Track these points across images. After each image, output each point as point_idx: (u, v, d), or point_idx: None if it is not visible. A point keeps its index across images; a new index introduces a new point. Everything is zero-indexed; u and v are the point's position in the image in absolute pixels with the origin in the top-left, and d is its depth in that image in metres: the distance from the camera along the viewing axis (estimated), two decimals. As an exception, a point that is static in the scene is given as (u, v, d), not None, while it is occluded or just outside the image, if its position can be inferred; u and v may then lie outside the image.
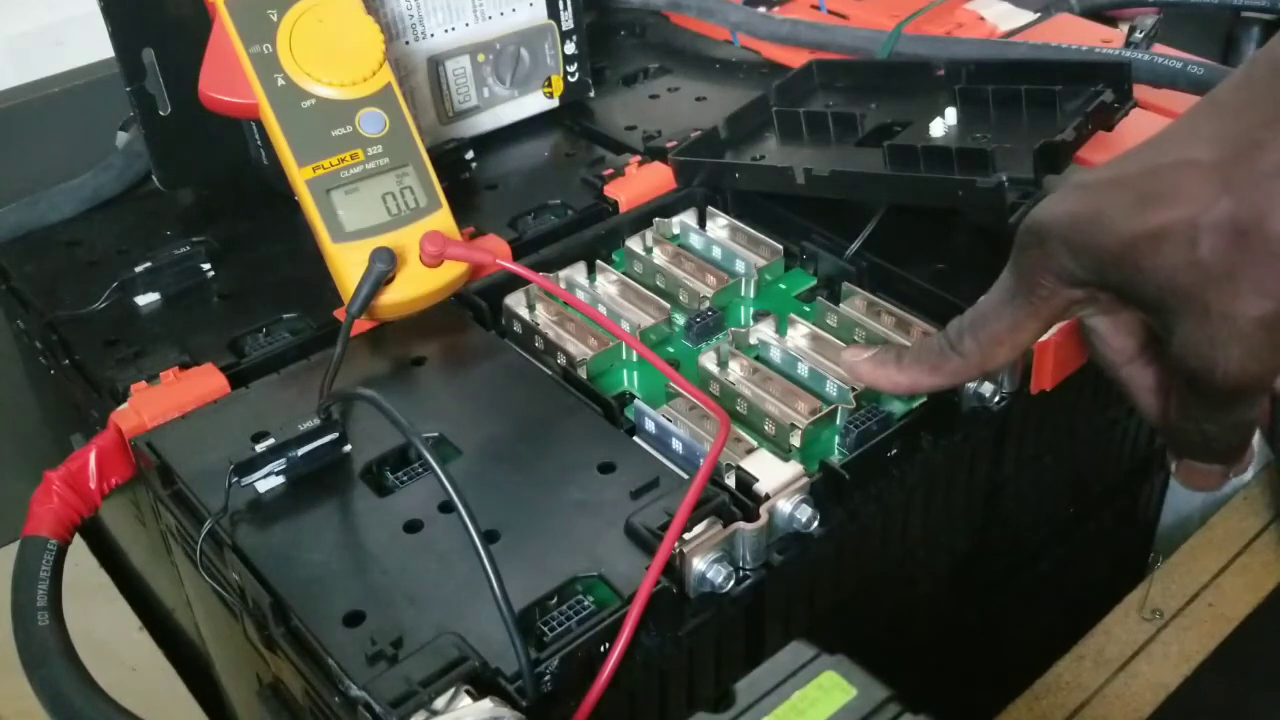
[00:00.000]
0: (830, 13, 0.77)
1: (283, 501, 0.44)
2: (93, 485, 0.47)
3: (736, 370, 0.50)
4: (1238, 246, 0.35)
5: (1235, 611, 0.56)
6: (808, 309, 0.53)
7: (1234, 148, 0.35)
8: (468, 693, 0.36)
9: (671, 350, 0.52)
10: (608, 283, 0.55)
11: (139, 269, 0.56)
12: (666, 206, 0.59)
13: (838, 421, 0.47)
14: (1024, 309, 0.41)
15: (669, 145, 0.62)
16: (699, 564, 0.40)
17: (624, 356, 0.50)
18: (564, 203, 0.60)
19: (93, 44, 0.63)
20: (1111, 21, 0.77)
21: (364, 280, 0.49)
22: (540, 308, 0.53)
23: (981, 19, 0.75)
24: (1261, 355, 0.36)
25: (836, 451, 0.46)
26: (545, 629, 0.38)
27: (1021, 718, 0.52)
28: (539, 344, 0.51)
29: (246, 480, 0.43)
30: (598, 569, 0.40)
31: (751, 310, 0.54)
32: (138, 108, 0.58)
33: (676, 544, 0.40)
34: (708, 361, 0.49)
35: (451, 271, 0.52)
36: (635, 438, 0.46)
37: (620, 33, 0.79)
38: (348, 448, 0.45)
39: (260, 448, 0.44)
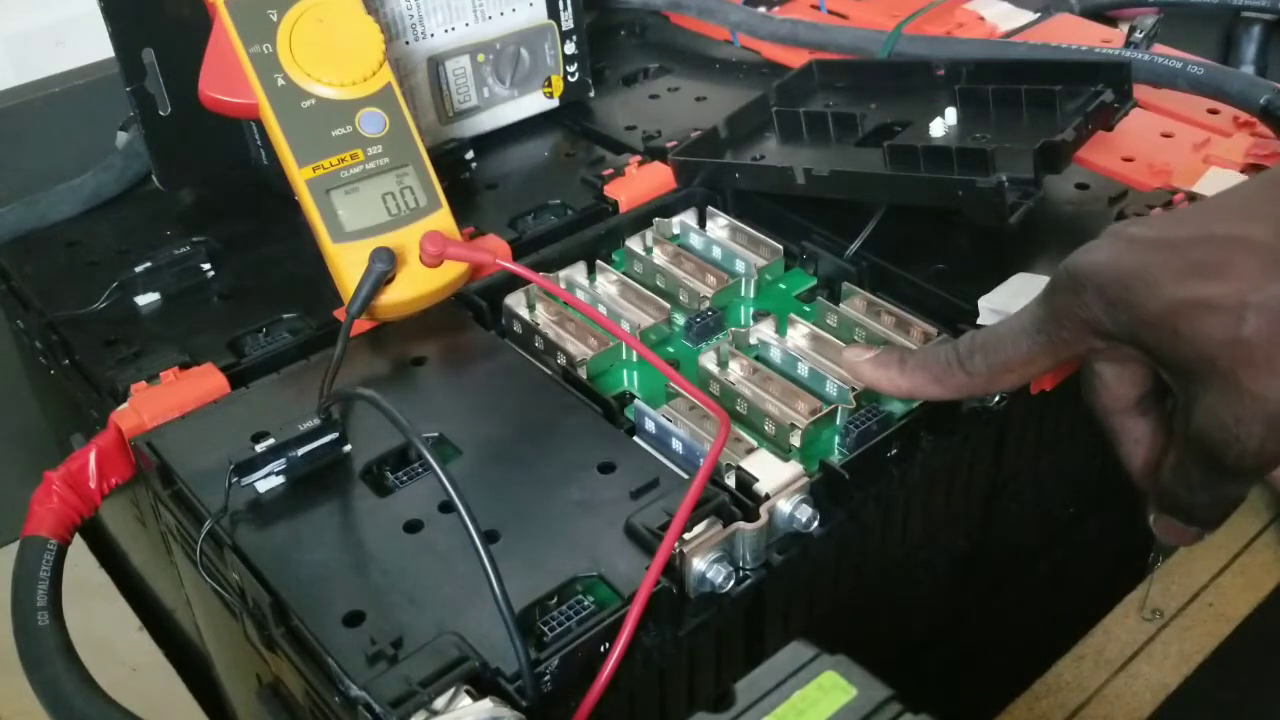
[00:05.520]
0: (830, 13, 0.77)
1: (283, 501, 0.44)
2: (93, 485, 0.47)
3: (736, 370, 0.50)
4: None
5: (1235, 611, 0.56)
6: (808, 309, 0.53)
7: None
8: (468, 693, 0.36)
9: (671, 350, 0.52)
10: (608, 283, 0.55)
11: (139, 269, 0.56)
12: (666, 206, 0.59)
13: (838, 421, 0.47)
14: (1044, 346, 0.41)
15: (669, 145, 0.62)
16: (699, 564, 0.40)
17: (624, 356, 0.50)
18: (564, 203, 0.60)
19: (93, 44, 0.63)
20: (1111, 21, 0.77)
21: (364, 280, 0.49)
22: (540, 308, 0.53)
23: (981, 19, 0.75)
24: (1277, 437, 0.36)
25: (836, 451, 0.46)
26: (545, 629, 0.38)
27: (1021, 718, 0.52)
28: (539, 344, 0.51)
29: (246, 480, 0.43)
30: (598, 569, 0.40)
31: (751, 310, 0.54)
32: (138, 108, 0.58)
33: (676, 544, 0.40)
34: (708, 361, 0.49)
35: (451, 271, 0.52)
36: (635, 438, 0.46)
37: (620, 33, 0.79)
38: (348, 448, 0.45)
39: (260, 448, 0.44)
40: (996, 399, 0.48)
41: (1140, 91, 0.60)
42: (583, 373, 0.49)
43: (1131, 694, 0.53)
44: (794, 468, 0.43)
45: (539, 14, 0.66)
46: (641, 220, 0.58)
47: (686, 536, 0.40)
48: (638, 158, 0.62)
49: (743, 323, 0.53)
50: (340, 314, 0.52)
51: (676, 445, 0.45)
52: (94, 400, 0.52)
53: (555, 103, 0.68)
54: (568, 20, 0.67)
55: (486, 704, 0.35)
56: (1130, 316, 0.38)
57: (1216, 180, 0.56)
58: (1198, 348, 0.36)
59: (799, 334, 0.51)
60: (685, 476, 0.44)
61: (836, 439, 0.47)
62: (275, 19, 0.52)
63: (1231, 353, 0.36)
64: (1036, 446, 0.54)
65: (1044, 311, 0.40)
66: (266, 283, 0.57)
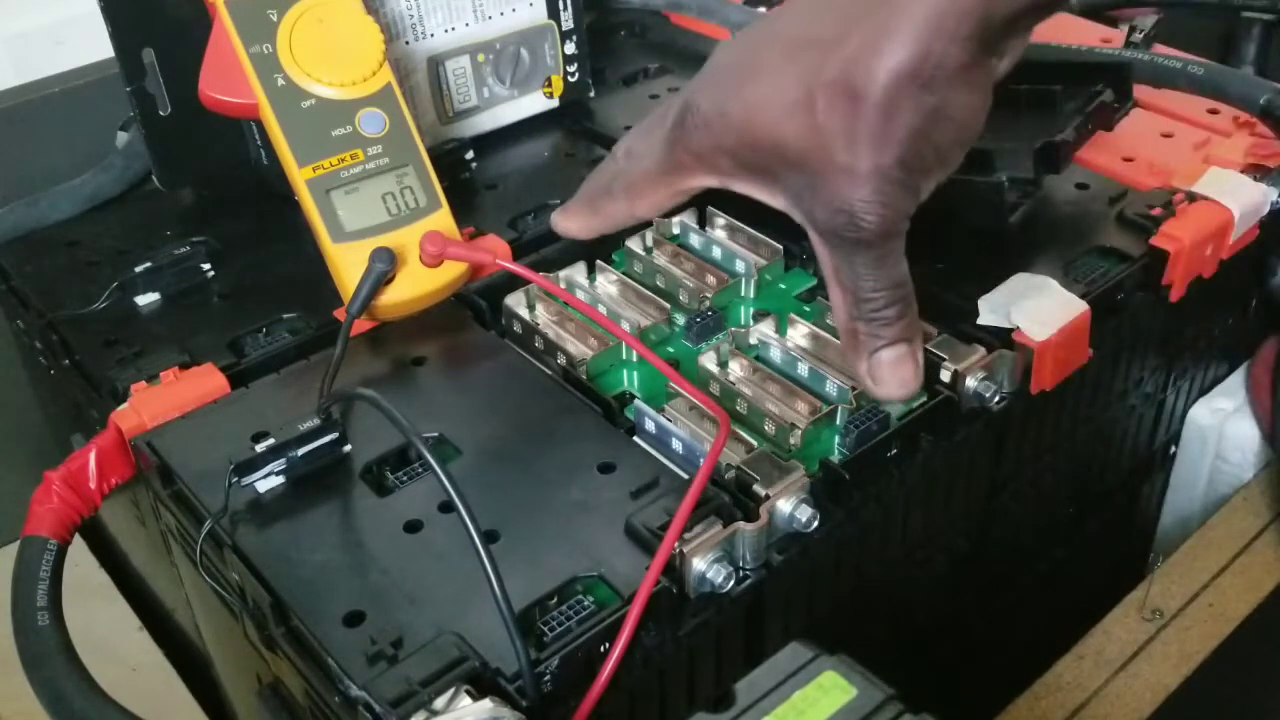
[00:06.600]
0: (830, 13, 0.77)
1: (283, 501, 0.44)
2: (93, 485, 0.47)
3: (736, 370, 0.50)
4: (852, 109, 0.39)
5: (1235, 611, 0.56)
6: (808, 309, 0.53)
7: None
8: (468, 693, 0.36)
9: (671, 350, 0.52)
10: (608, 283, 0.55)
11: (139, 269, 0.56)
12: (666, 206, 0.59)
13: (838, 421, 0.47)
14: (664, 173, 0.47)
15: (669, 145, 0.62)
16: (699, 564, 0.40)
17: (624, 356, 0.50)
18: (564, 203, 0.60)
19: (93, 44, 0.63)
20: (1112, 21, 0.77)
21: (364, 280, 0.49)
22: (540, 308, 0.53)
23: (981, 19, 0.74)
24: (889, 198, 0.41)
25: (836, 451, 0.46)
26: (545, 629, 0.38)
27: (1021, 718, 0.52)
28: (539, 344, 0.51)
29: (246, 480, 0.43)
30: (598, 569, 0.40)
31: (751, 310, 0.54)
32: (138, 108, 0.58)
33: (676, 544, 0.40)
34: (708, 361, 0.49)
35: (451, 271, 0.52)
36: (635, 438, 0.46)
37: (620, 33, 0.79)
38: (348, 448, 0.45)
39: (260, 448, 0.44)
40: (997, 399, 0.48)
41: (1140, 91, 0.60)
42: (583, 373, 0.49)
43: (1131, 694, 0.52)
44: (794, 468, 0.43)
45: (539, 14, 0.66)
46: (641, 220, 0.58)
47: (686, 536, 0.40)
48: (638, 158, 0.62)
49: (743, 323, 0.53)
50: (340, 314, 0.52)
51: (676, 445, 0.45)
52: (94, 400, 0.52)
53: (555, 103, 0.68)
54: (568, 20, 0.67)
55: (486, 704, 0.35)
56: (724, 144, 0.43)
57: (1216, 180, 0.56)
58: (784, 150, 0.41)
59: (799, 334, 0.51)
60: (685, 476, 0.44)
61: (836, 439, 0.46)
62: (275, 19, 0.52)
63: (809, 138, 0.40)
64: (1036, 446, 0.54)
65: (667, 140, 0.46)
66: (266, 283, 0.57)
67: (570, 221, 0.51)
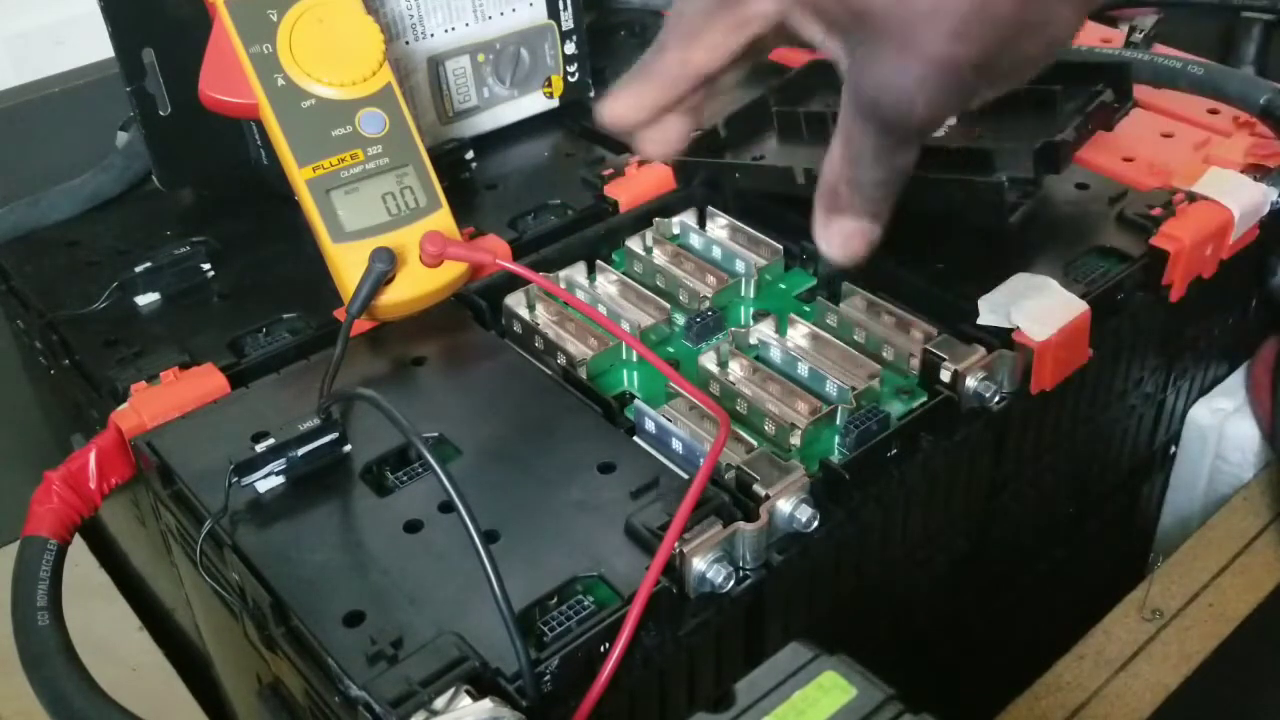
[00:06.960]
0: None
1: (283, 501, 0.44)
2: (93, 485, 0.47)
3: (736, 370, 0.50)
4: None
5: (1235, 611, 0.56)
6: (808, 309, 0.53)
7: None
8: (468, 693, 0.36)
9: (671, 350, 0.52)
10: (608, 283, 0.55)
11: (139, 269, 0.56)
12: (666, 206, 0.59)
13: (838, 421, 0.47)
14: (726, 17, 0.41)
15: (669, 145, 0.62)
16: (699, 564, 0.40)
17: (624, 356, 0.50)
18: (564, 203, 0.60)
19: (93, 44, 0.63)
20: (1112, 21, 0.77)
21: (364, 280, 0.49)
22: (540, 308, 0.53)
23: (981, 19, 0.74)
24: (945, 96, 0.37)
25: (836, 451, 0.46)
26: (545, 629, 0.38)
27: (1021, 718, 0.52)
28: (539, 344, 0.51)
29: (246, 480, 0.43)
30: (598, 569, 0.40)
31: (751, 310, 0.54)
32: (138, 108, 0.58)
33: (676, 544, 0.40)
34: (708, 361, 0.49)
35: (451, 271, 0.52)
36: (635, 438, 0.46)
37: (620, 33, 0.79)
38: (348, 448, 0.45)
39: (260, 448, 0.44)
40: (997, 399, 0.48)
41: (1140, 91, 0.60)
42: (583, 373, 0.49)
43: (1131, 694, 0.52)
44: (794, 468, 0.43)
45: (539, 14, 0.66)
46: (641, 220, 0.58)
47: (686, 536, 0.40)
48: (637, 158, 0.62)
49: (743, 323, 0.53)
50: (340, 314, 0.52)
51: (676, 445, 0.45)
52: (94, 400, 0.52)
53: (555, 103, 0.68)
54: (568, 20, 0.67)
55: (486, 704, 0.35)
56: None
57: (1216, 180, 0.56)
58: (864, 5, 0.37)
59: (799, 334, 0.51)
60: (685, 476, 0.44)
61: (836, 439, 0.47)
62: (275, 19, 0.52)
63: (894, 5, 0.36)
64: (1036, 446, 0.54)
65: None
66: (266, 283, 0.57)
67: (619, 100, 0.45)
